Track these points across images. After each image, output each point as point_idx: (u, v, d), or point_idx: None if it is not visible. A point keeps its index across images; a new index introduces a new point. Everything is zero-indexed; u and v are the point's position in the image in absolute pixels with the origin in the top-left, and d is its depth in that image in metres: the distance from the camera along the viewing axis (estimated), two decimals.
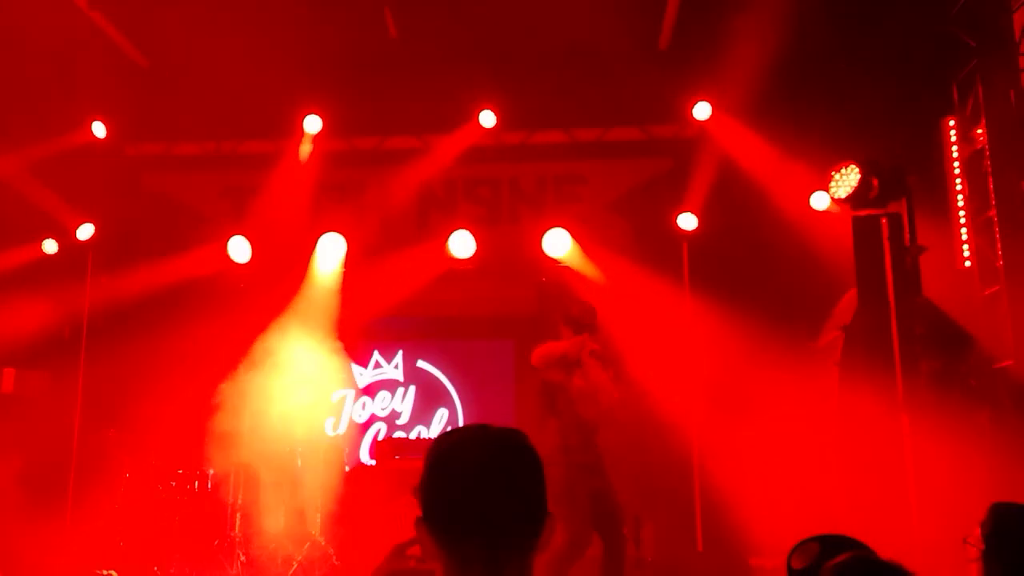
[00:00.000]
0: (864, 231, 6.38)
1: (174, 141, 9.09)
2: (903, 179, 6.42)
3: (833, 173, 6.46)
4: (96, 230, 8.20)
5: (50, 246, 8.10)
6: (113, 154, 8.62)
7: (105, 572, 2.78)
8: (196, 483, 6.82)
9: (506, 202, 8.84)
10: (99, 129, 8.30)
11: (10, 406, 7.05)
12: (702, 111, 7.88)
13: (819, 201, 7.25)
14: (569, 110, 8.35)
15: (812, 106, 7.22)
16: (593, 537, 5.04)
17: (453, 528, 1.41)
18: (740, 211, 7.46)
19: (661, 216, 7.66)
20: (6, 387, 7.07)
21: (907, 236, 6.33)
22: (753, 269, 7.39)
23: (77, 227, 8.21)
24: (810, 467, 6.13)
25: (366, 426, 8.64)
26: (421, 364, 8.74)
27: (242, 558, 6.56)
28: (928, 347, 5.99)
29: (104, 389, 7.44)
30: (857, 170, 6.42)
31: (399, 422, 8.59)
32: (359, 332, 8.45)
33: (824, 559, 1.95)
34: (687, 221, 7.56)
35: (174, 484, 6.69)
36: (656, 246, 7.64)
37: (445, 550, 1.41)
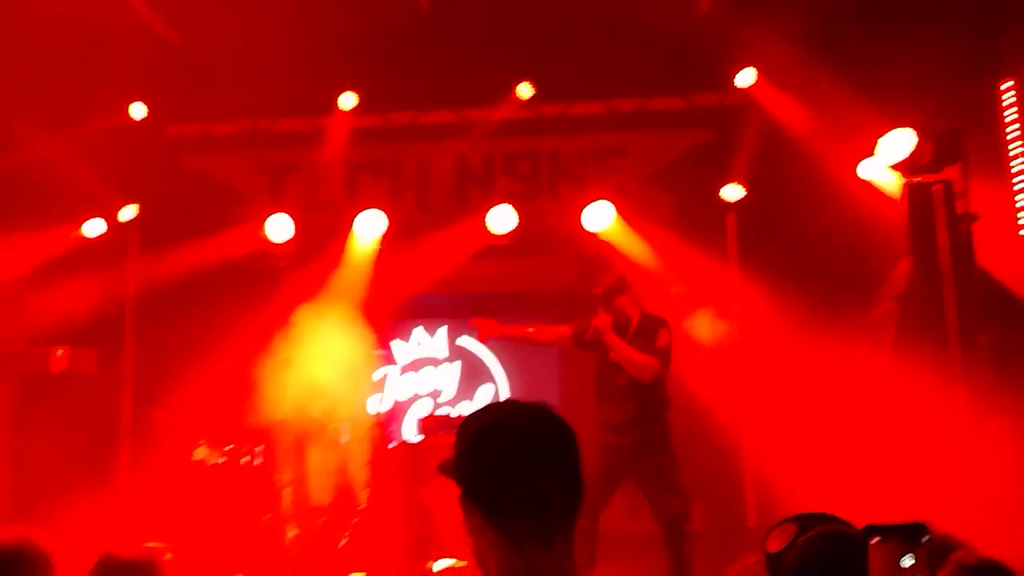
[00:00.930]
0: (917, 198, 6.22)
1: (211, 120, 9.11)
2: (958, 144, 6.24)
3: (885, 138, 6.29)
4: (139, 211, 8.27)
5: (94, 227, 8.17)
6: (152, 135, 8.66)
7: (155, 544, 2.80)
8: (244, 459, 6.89)
9: (545, 176, 8.74)
10: (138, 110, 8.33)
11: (62, 384, 7.15)
12: (746, 77, 7.70)
13: (870, 168, 7.07)
14: (608, 80, 8.20)
15: (862, 69, 7.00)
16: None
17: (502, 503, 1.41)
18: (787, 180, 7.29)
19: (705, 187, 7.53)
20: (58, 366, 7.18)
21: (961, 203, 6.16)
22: (802, 240, 7.23)
23: (120, 208, 8.28)
24: (863, 441, 6.02)
25: (409, 402, 8.66)
26: (463, 341, 8.71)
27: (291, 533, 6.62)
28: (985, 318, 5.84)
29: (152, 366, 7.53)
30: (911, 134, 6.26)
31: (442, 399, 8.60)
32: (400, 309, 8.46)
33: (799, 538, 1.89)
34: (732, 192, 7.41)
35: (223, 460, 6.76)
36: (701, 218, 7.51)
37: (494, 526, 1.41)
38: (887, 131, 6.43)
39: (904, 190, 6.25)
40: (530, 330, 6.44)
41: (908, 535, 1.29)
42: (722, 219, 7.43)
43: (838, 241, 6.90)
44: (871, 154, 6.78)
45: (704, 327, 6.90)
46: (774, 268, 7.03)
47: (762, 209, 7.35)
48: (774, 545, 2.05)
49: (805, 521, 2.02)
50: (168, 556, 2.72)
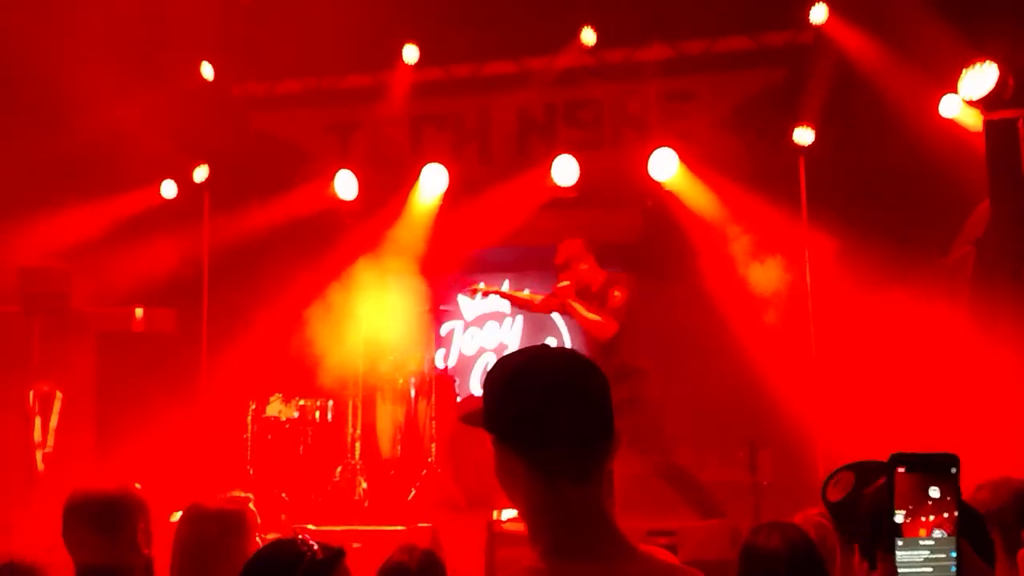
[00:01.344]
0: (998, 136, 5.88)
1: (277, 79, 9.19)
2: None
3: (966, 71, 5.95)
4: (210, 171, 8.44)
5: (169, 189, 8.39)
6: (221, 94, 8.78)
7: (239, 493, 2.91)
8: (317, 413, 7.09)
9: (608, 125, 8.56)
10: (207, 71, 8.43)
11: (141, 343, 7.45)
12: (818, 13, 7.35)
13: (949, 106, 6.70)
14: (673, 21, 7.92)
15: (938, 1, 6.60)
16: None
17: (539, 440, 1.41)
18: (861, 122, 6.97)
19: (776, 131, 7.26)
20: (137, 325, 7.49)
21: None
22: (876, 183, 6.93)
23: (193, 169, 8.47)
24: (939, 390, 5.81)
25: (475, 357, 8.74)
26: (527, 294, 8.70)
27: (363, 485, 6.82)
28: None
29: (227, 325, 7.76)
30: (993, 67, 5.90)
31: (508, 352, 8.63)
32: (464, 263, 8.50)
33: (861, 487, 1.84)
34: (803, 135, 7.12)
35: (295, 415, 6.97)
36: (771, 163, 7.25)
37: (528, 462, 1.42)
38: (968, 66, 6.07)
39: (984, 127, 5.91)
40: (526, 292, 6.72)
41: (935, 466, 1.27)
42: (794, 163, 7.16)
43: (914, 185, 6.61)
44: (950, 91, 6.43)
45: (769, 277, 6.71)
46: (846, 213, 6.77)
47: (835, 152, 7.05)
48: (835, 495, 2.03)
49: (861, 469, 1.99)
50: (251, 506, 2.83)
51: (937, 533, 1.26)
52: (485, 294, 6.72)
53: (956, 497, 1.27)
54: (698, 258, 7.17)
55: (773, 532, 2.43)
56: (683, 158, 7.43)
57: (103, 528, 2.52)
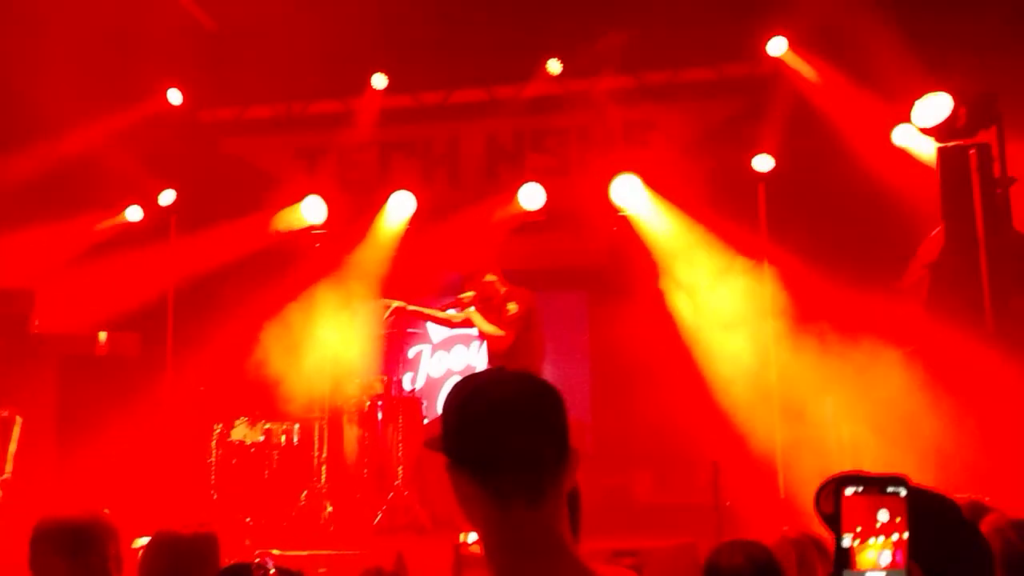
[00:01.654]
0: (951, 163, 6.09)
1: (246, 105, 9.23)
2: (993, 106, 6.08)
3: (919, 101, 6.16)
4: (177, 195, 8.42)
5: (134, 213, 8.36)
6: (189, 120, 8.80)
7: (203, 523, 2.90)
8: (283, 437, 7.05)
9: (575, 152, 8.71)
10: (175, 96, 8.46)
11: (104, 367, 7.37)
12: (777, 46, 7.58)
13: (902, 135, 6.93)
14: (637, 52, 8.11)
15: (893, 34, 6.84)
16: None
17: (491, 464, 1.41)
18: (818, 149, 7.17)
19: (736, 159, 7.44)
20: (100, 349, 7.40)
21: (997, 167, 6.01)
22: (833, 209, 7.12)
23: (159, 193, 8.45)
24: (895, 410, 5.94)
25: (443, 380, 8.75)
26: None
27: (329, 508, 6.78)
28: (1020, 284, 5.70)
29: (191, 348, 7.70)
30: (945, 98, 6.12)
31: (464, 376, 8.64)
32: (432, 288, 8.53)
33: None
34: (763, 162, 7.32)
35: (262, 438, 6.93)
36: (731, 189, 7.42)
37: (484, 489, 1.41)
38: (921, 96, 6.29)
39: (938, 154, 6.12)
40: (439, 312, 6.94)
41: (884, 487, 1.24)
42: (753, 190, 7.33)
43: (870, 210, 6.80)
44: (905, 120, 6.64)
45: (731, 301, 6.84)
46: (805, 237, 6.93)
47: (793, 179, 7.24)
48: (828, 507, 2.08)
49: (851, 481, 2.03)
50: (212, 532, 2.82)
51: (885, 559, 1.22)
52: (396, 312, 6.80)
53: (907, 520, 1.23)
54: (662, 281, 7.28)
55: (736, 550, 2.45)
56: (648, 183, 7.57)
57: (73, 554, 2.49)
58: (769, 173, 7.18)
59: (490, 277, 6.41)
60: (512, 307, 6.18)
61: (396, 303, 6.73)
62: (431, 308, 6.96)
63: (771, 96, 7.57)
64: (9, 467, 6.63)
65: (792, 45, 7.58)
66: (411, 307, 6.80)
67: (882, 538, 1.22)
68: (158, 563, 2.73)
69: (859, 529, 1.23)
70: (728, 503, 5.59)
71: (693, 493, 5.86)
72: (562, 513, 1.44)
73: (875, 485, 1.25)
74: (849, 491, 1.25)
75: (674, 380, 6.73)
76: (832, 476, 2.04)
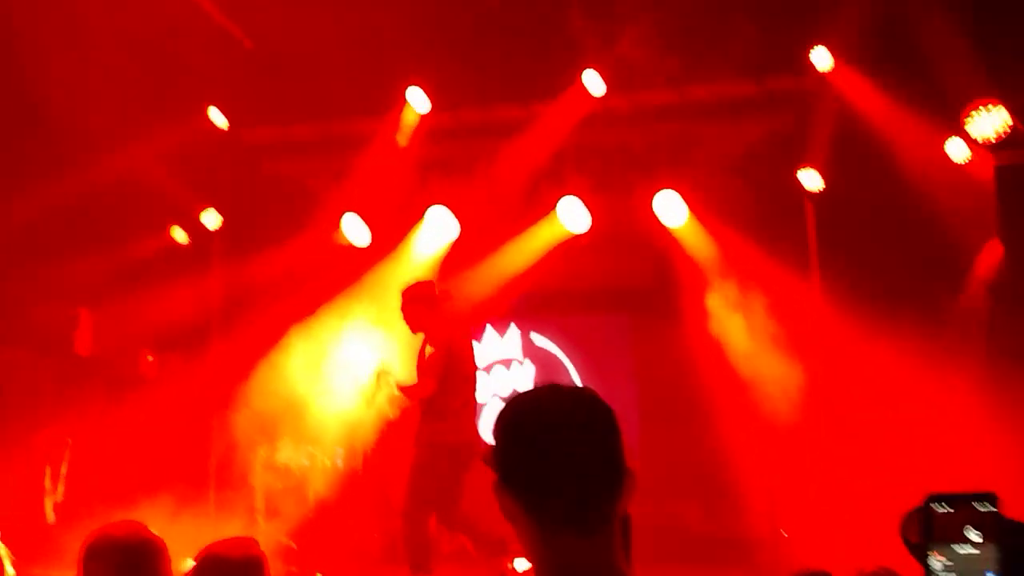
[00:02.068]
0: (1009, 180, 5.93)
1: (286, 124, 9.27)
2: None
3: (974, 113, 6.00)
4: (221, 216, 8.51)
5: (179, 234, 8.44)
6: (231, 140, 8.86)
7: (253, 543, 2.90)
8: (328, 460, 7.05)
9: (617, 170, 8.60)
10: (217, 116, 8.52)
11: (151, 387, 7.43)
12: (823, 59, 7.44)
13: (956, 149, 6.76)
14: (680, 67, 8.01)
15: (947, 44, 6.68)
16: None
17: (540, 488, 1.35)
18: (868, 164, 7.01)
19: (782, 175, 7.31)
20: (148, 370, 7.48)
21: None
22: (885, 226, 6.95)
23: (202, 214, 8.53)
24: (951, 435, 5.78)
25: (485, 403, 8.69)
26: (536, 339, 8.69)
27: (374, 533, 6.75)
28: None
29: (235, 369, 7.74)
30: (1001, 112, 5.96)
31: (519, 392, 8.58)
32: (472, 309, 8.50)
33: None
34: (810, 179, 7.19)
35: (307, 462, 6.93)
36: (778, 207, 7.30)
37: (532, 512, 1.35)
38: (975, 108, 6.13)
39: (995, 173, 5.95)
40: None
41: (973, 505, 1.25)
42: (800, 207, 7.21)
43: (922, 227, 6.63)
44: (958, 134, 6.49)
45: (774, 321, 6.72)
46: (855, 255, 6.79)
47: (842, 195, 7.10)
48: (915, 536, 2.02)
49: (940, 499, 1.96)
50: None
51: None
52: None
53: (997, 538, 1.23)
54: (708, 301, 7.18)
55: None
56: (691, 202, 7.47)
57: (124, 574, 2.50)
58: (818, 190, 7.04)
59: (422, 308, 6.00)
60: (430, 350, 5.89)
61: (386, 373, 6.09)
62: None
63: (817, 110, 7.43)
64: (61, 489, 6.71)
65: (838, 57, 7.44)
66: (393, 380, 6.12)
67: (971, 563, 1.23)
68: None
69: (949, 552, 1.25)
70: (787, 535, 5.46)
71: (747, 524, 5.72)
72: (616, 541, 1.37)
73: (964, 502, 1.26)
74: (939, 509, 1.26)
75: (724, 404, 6.61)
76: (917, 506, 1.97)
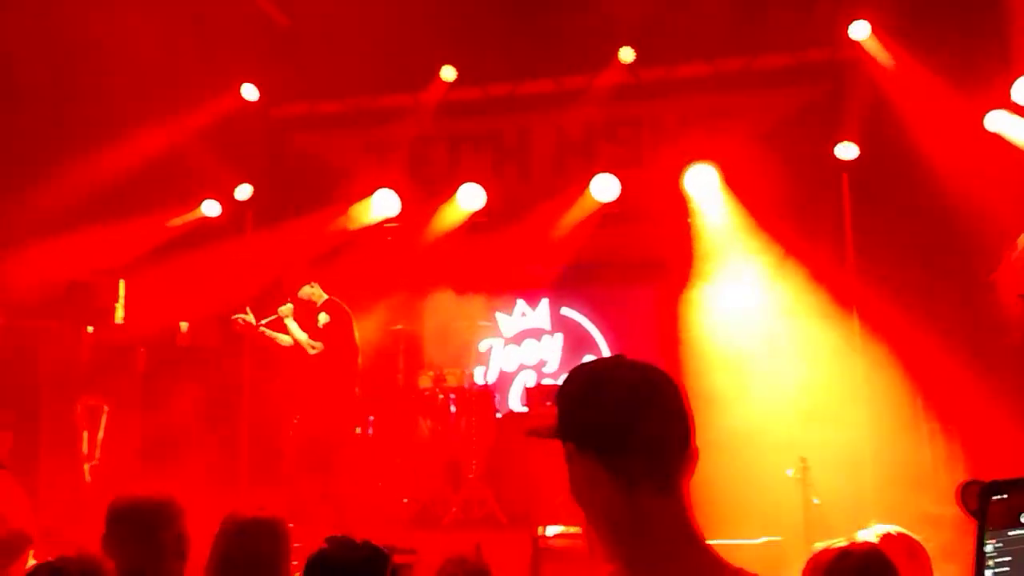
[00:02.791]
0: None
1: (317, 99, 9.31)
2: None
3: (1017, 85, 5.88)
4: (252, 190, 8.57)
5: (211, 208, 8.52)
6: (261, 116, 8.91)
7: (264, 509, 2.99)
8: (358, 428, 7.12)
9: (647, 142, 8.56)
10: (250, 92, 8.56)
11: (186, 356, 7.54)
12: (859, 30, 7.33)
13: (995, 121, 6.63)
14: (712, 38, 7.92)
15: (986, 12, 6.56)
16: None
17: (620, 447, 1.38)
18: (905, 136, 6.89)
19: (817, 147, 7.21)
20: (182, 339, 7.58)
21: None
22: (921, 198, 6.85)
23: (235, 188, 8.60)
24: (982, 414, 5.72)
25: (515, 374, 8.72)
26: (566, 311, 8.70)
27: (405, 500, 6.82)
28: None
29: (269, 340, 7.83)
30: None
31: (547, 370, 8.61)
32: (502, 281, 8.53)
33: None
34: (846, 150, 7.09)
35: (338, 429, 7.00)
36: (813, 178, 7.21)
37: (611, 472, 1.38)
38: (1018, 77, 6.01)
39: None
40: (282, 336, 7.00)
41: None
42: (836, 180, 7.11)
43: (960, 200, 6.50)
44: (999, 105, 6.37)
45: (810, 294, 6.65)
46: (891, 228, 6.70)
47: (878, 168, 6.99)
48: (974, 503, 1.99)
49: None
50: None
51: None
52: (244, 324, 6.89)
53: None
54: (739, 273, 7.13)
55: (852, 552, 2.28)
56: (724, 174, 7.41)
57: (146, 532, 2.58)
58: (853, 162, 6.94)
59: (308, 289, 6.75)
60: (323, 318, 6.52)
61: (248, 318, 6.80)
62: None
63: (854, 81, 7.32)
64: (98, 453, 6.84)
65: (875, 28, 7.31)
66: (261, 325, 6.90)
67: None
68: (227, 545, 2.78)
69: (1003, 536, 1.26)
70: (816, 501, 5.43)
71: (777, 490, 5.70)
72: (690, 501, 1.40)
73: (1018, 488, 1.27)
74: (996, 497, 1.27)
75: (754, 374, 6.56)
76: (974, 478, 1.94)
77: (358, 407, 7.04)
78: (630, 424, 1.38)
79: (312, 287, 6.94)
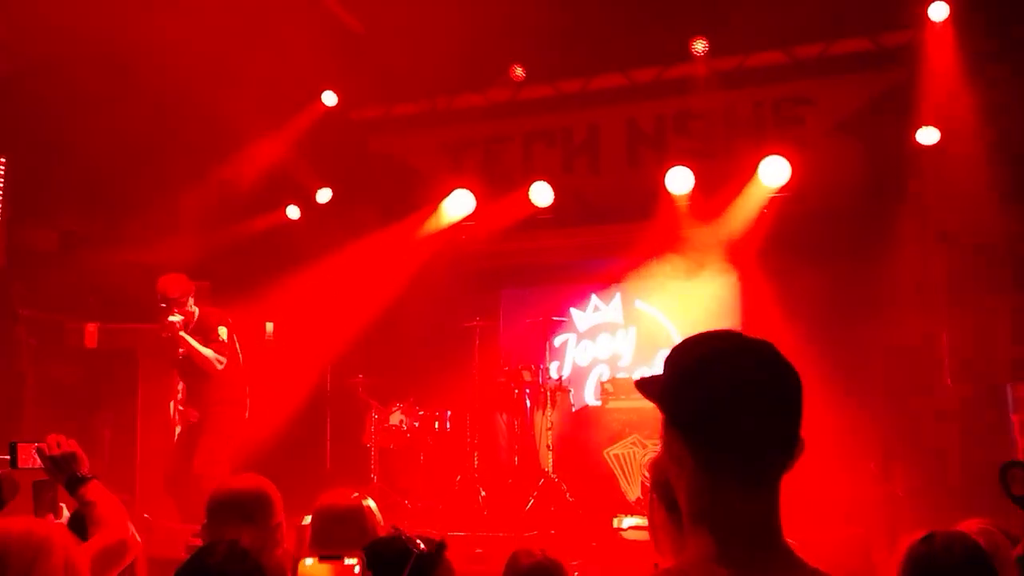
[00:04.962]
0: None
1: (391, 102, 9.50)
2: None
3: None
4: (333, 193, 8.82)
5: (293, 211, 8.81)
6: (340, 120, 9.15)
7: (359, 495, 3.12)
8: (436, 423, 7.26)
9: (721, 133, 8.44)
10: (330, 98, 8.80)
11: (270, 355, 7.81)
12: (939, 11, 7.09)
13: None
14: (787, 25, 7.76)
15: None
16: None
17: (717, 437, 1.31)
18: (990, 117, 6.64)
19: (899, 133, 7.01)
20: (267, 339, 7.87)
21: None
22: (1012, 181, 6.58)
23: (316, 192, 8.87)
24: None
25: (589, 368, 8.74)
26: (640, 305, 8.67)
27: (482, 493, 6.93)
28: None
29: (351, 338, 8.05)
30: None
31: (621, 363, 8.61)
32: (575, 276, 8.56)
33: None
34: (928, 135, 6.88)
35: (417, 424, 7.16)
36: (892, 165, 7.01)
37: (699, 458, 1.32)
38: None
39: None
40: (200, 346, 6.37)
41: None
42: (915, 165, 6.90)
43: None
44: None
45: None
46: (978, 214, 6.46)
47: (962, 150, 6.75)
48: (1020, 489, 1.96)
49: None
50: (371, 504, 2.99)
51: None
52: (170, 328, 6.23)
53: None
54: (811, 262, 7.01)
55: (951, 542, 2.23)
56: (801, 163, 7.29)
57: (248, 521, 2.67)
58: (936, 146, 6.73)
59: (190, 300, 6.26)
60: (223, 331, 6.20)
61: (177, 319, 6.19)
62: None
63: (934, 64, 7.08)
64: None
65: (955, 9, 7.07)
66: (182, 333, 6.19)
67: None
68: (321, 530, 2.90)
69: None
70: (900, 493, 5.31)
71: (858, 482, 5.58)
72: (778, 499, 1.33)
73: None
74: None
75: (833, 364, 6.42)
76: (1011, 462, 1.91)
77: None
78: (724, 419, 1.31)
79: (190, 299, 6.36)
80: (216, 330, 6.25)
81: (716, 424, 1.31)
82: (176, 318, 6.12)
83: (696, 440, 1.33)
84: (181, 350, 6.23)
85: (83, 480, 2.56)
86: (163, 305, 6.13)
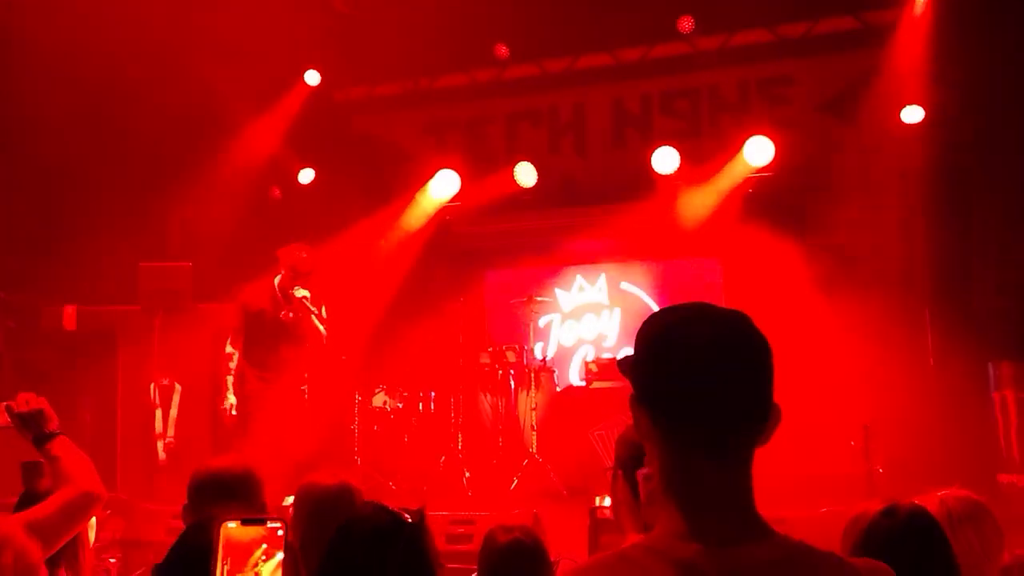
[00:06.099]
0: None
1: (375, 82, 9.41)
2: None
3: None
4: (315, 175, 8.74)
5: (275, 192, 8.73)
6: (323, 100, 9.05)
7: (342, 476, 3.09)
8: (420, 404, 7.23)
9: (706, 113, 8.41)
10: (312, 78, 8.69)
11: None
12: None
13: None
14: (772, 4, 7.72)
15: None
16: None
17: (678, 409, 1.29)
18: (977, 92, 6.62)
19: (884, 112, 6.99)
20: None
21: None
22: (997, 157, 6.57)
23: (298, 172, 8.78)
24: None
25: (574, 348, 8.73)
26: (625, 286, 8.65)
27: (467, 474, 6.91)
28: None
29: (334, 318, 7.98)
30: None
31: (606, 344, 8.60)
32: (560, 256, 8.52)
33: None
34: (912, 114, 6.86)
35: (401, 406, 7.13)
36: (878, 145, 6.99)
37: (665, 432, 1.30)
38: None
39: None
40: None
41: None
42: (905, 143, 6.88)
43: None
44: None
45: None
46: (966, 192, 6.46)
47: (944, 130, 6.74)
48: None
49: None
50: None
51: None
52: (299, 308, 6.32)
53: None
54: (798, 242, 7.00)
55: (892, 513, 2.22)
56: (787, 143, 7.26)
57: (228, 501, 2.58)
58: (921, 124, 6.71)
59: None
60: (323, 309, 6.26)
61: (305, 294, 6.20)
62: None
63: (921, 42, 7.05)
64: (171, 431, 7.09)
65: None
66: (310, 305, 6.20)
67: None
68: (304, 511, 2.86)
69: None
70: (880, 470, 5.31)
71: (839, 461, 5.60)
72: (749, 470, 1.31)
73: None
74: None
75: (815, 345, 6.43)
76: None
77: None
78: (685, 389, 1.28)
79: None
80: (322, 307, 6.30)
81: (677, 395, 1.29)
82: (302, 292, 6.14)
83: (660, 413, 1.31)
84: (291, 313, 6.20)
85: (50, 436, 2.54)
86: (292, 278, 6.16)
